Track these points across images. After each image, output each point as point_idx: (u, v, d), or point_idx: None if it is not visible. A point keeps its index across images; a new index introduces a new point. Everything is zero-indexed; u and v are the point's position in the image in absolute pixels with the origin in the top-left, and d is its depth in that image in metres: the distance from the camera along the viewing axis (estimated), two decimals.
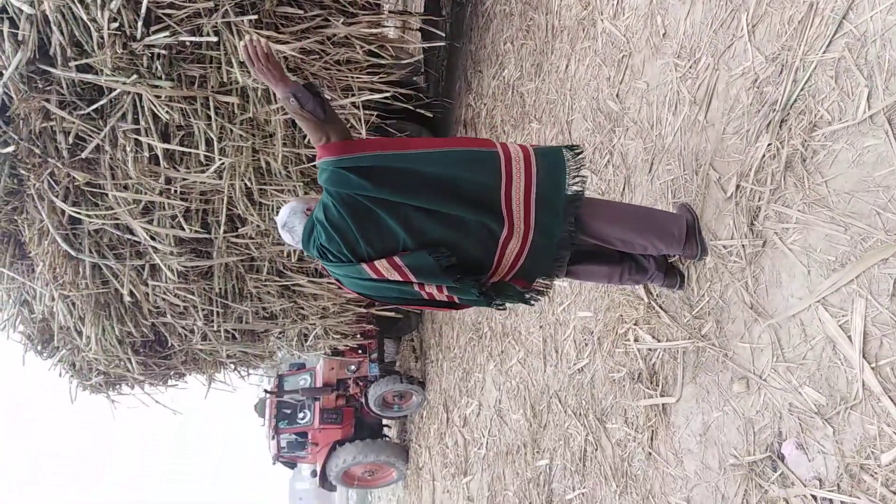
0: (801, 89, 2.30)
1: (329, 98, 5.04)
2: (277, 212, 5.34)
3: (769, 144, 2.43)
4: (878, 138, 1.97)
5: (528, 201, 2.36)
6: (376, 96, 5.23)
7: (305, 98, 2.19)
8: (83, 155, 4.97)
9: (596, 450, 3.55)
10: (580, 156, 2.48)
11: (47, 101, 4.76)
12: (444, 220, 2.34)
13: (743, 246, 2.51)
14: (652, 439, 3.02)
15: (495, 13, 6.33)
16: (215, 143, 5.04)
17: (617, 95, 3.72)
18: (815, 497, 2.07)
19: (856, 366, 1.97)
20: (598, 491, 3.49)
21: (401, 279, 2.43)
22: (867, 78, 2.03)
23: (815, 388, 2.12)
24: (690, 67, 3.03)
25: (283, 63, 4.80)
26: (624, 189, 3.52)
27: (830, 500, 2.02)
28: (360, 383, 9.06)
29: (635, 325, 3.22)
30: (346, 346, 7.61)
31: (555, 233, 2.43)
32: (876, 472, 1.87)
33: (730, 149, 2.68)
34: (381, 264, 2.38)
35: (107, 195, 5.16)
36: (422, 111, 5.96)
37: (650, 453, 3.01)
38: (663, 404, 2.95)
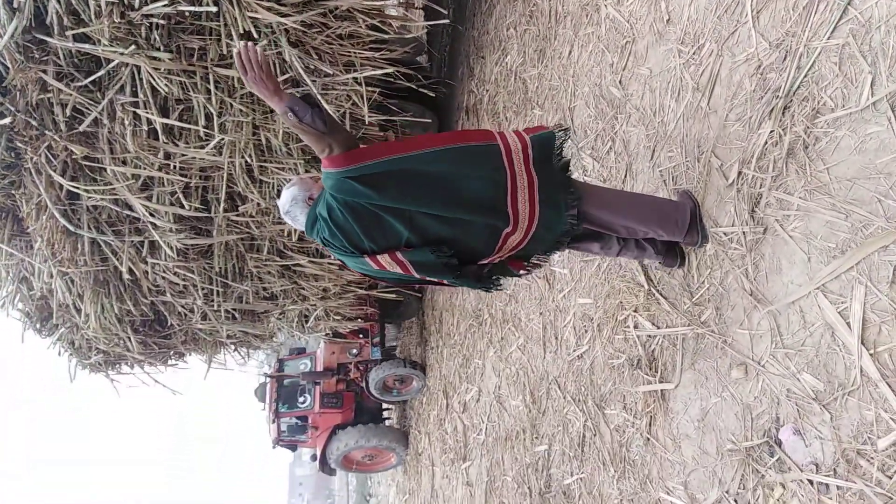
0: (805, 76, 2.29)
1: (331, 73, 4.93)
2: (278, 190, 5.34)
3: (771, 131, 2.43)
4: (881, 125, 1.97)
5: (533, 199, 2.38)
6: (378, 72, 5.14)
7: (303, 111, 2.17)
8: (81, 128, 4.87)
9: (594, 435, 3.57)
10: (567, 138, 2.49)
11: (44, 71, 4.65)
12: (449, 221, 2.37)
13: (744, 233, 2.51)
14: (650, 425, 3.03)
15: None
16: (215, 119, 4.96)
17: (620, 82, 3.71)
18: (811, 482, 2.08)
19: (854, 352, 1.98)
20: (596, 476, 3.51)
21: (402, 272, 2.48)
22: (871, 65, 2.02)
23: (814, 375, 2.13)
24: (694, 54, 3.02)
25: (285, 36, 4.71)
26: (626, 176, 3.52)
27: (827, 486, 2.03)
28: (361, 367, 9.08)
29: (635, 311, 3.23)
30: (348, 328, 7.57)
31: (557, 227, 2.46)
32: (872, 458, 1.88)
33: (732, 136, 2.68)
34: (384, 258, 2.43)
35: (105, 170, 5.07)
36: (424, 90, 5.90)
37: (648, 439, 3.03)
38: (662, 390, 2.97)
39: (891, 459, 1.84)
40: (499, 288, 2.65)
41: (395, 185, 2.28)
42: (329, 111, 2.37)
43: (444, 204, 2.33)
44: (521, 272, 2.68)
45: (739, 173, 2.59)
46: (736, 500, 2.43)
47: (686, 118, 3.03)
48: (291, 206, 2.49)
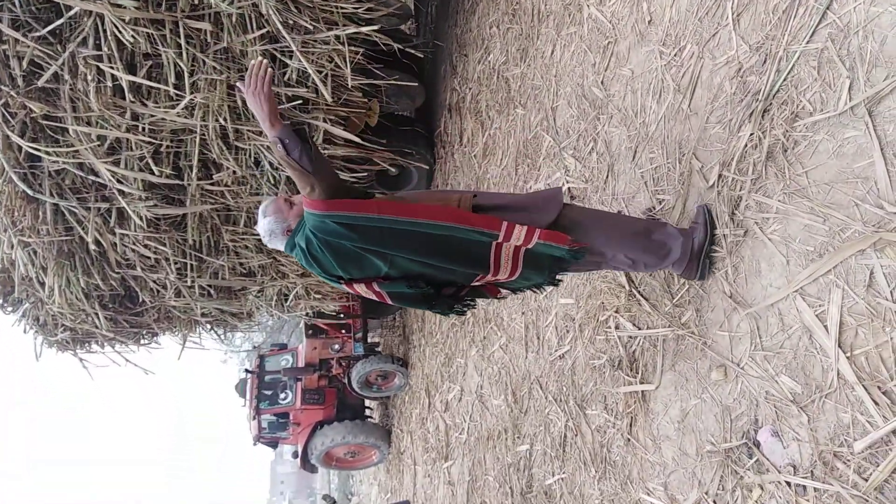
0: (784, 79, 2.31)
1: (312, 30, 4.72)
2: (256, 159, 5.13)
3: (751, 134, 2.44)
4: (859, 130, 1.98)
5: (517, 256, 2.36)
6: (363, 29, 4.88)
7: (293, 145, 2.14)
8: (40, 83, 4.49)
9: (576, 436, 3.58)
10: (577, 260, 2.39)
11: None
12: (430, 265, 2.38)
13: (724, 235, 2.52)
14: (631, 426, 3.04)
15: None
16: (186, 76, 4.63)
17: (602, 82, 3.71)
18: (789, 483, 2.10)
19: (831, 355, 2.00)
20: (577, 476, 3.52)
21: (377, 299, 2.51)
22: (849, 69, 2.03)
23: (792, 377, 2.15)
24: (675, 55, 3.02)
25: None
26: (608, 177, 3.52)
27: (804, 487, 2.05)
28: (343, 363, 9.06)
29: (616, 312, 3.24)
30: (332, 310, 7.33)
31: (538, 280, 2.47)
32: (849, 460, 1.90)
33: (713, 138, 2.69)
34: (360, 286, 2.45)
35: (67, 130, 4.71)
36: (412, 51, 5.70)
37: (629, 440, 3.04)
38: (643, 391, 2.97)
39: (867, 462, 1.85)
40: (472, 307, 2.67)
41: (378, 235, 2.28)
42: (318, 148, 2.32)
43: (427, 255, 2.33)
44: (499, 296, 2.68)
45: (720, 176, 2.60)
46: (715, 502, 2.44)
47: (667, 120, 3.04)
48: (271, 239, 2.47)
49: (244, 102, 4.88)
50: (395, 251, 2.32)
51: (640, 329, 3.05)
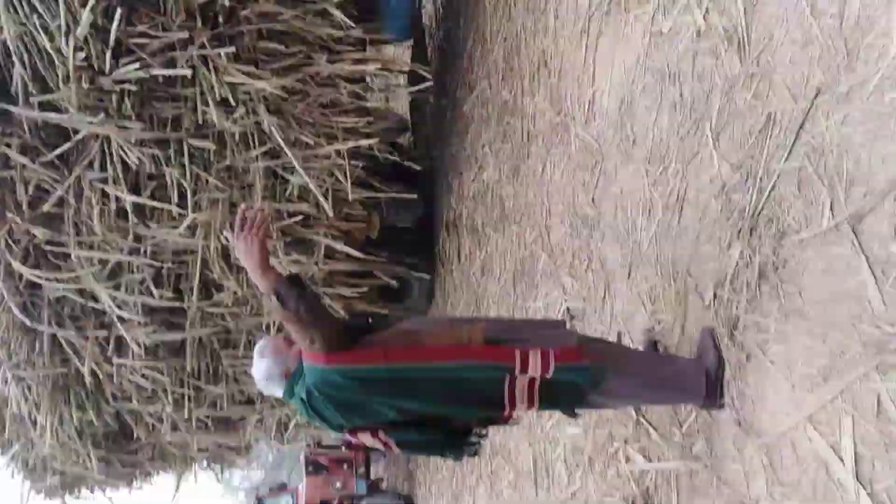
0: (767, 197, 2.27)
1: (313, 145, 4.78)
2: None
3: (742, 252, 2.37)
4: (845, 247, 1.91)
5: (532, 390, 2.22)
6: (364, 142, 4.97)
7: (288, 296, 2.00)
8: (44, 209, 4.50)
9: None
10: (596, 386, 2.27)
11: (8, 145, 4.36)
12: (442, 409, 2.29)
13: (727, 359, 2.40)
14: None
15: (473, 117, 6.46)
16: (189, 196, 4.63)
17: (592, 200, 3.71)
18: None
19: (851, 490, 1.82)
20: None
21: (382, 448, 2.38)
22: (828, 187, 1.99)
23: None
24: (661, 173, 3.02)
25: (263, 103, 4.54)
26: (605, 296, 3.45)
27: None
28: (346, 503, 8.54)
29: (625, 443, 3.05)
30: (334, 438, 7.02)
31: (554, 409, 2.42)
32: None
33: (705, 256, 2.63)
34: (365, 436, 2.33)
35: (69, 256, 4.66)
36: (410, 164, 5.78)
37: None
38: None
39: None
40: (485, 438, 2.53)
41: (388, 385, 2.18)
42: (317, 294, 2.26)
43: (439, 401, 2.23)
44: (511, 422, 2.51)
45: (715, 295, 2.51)
46: None
47: (658, 238, 3.00)
48: (268, 383, 2.33)
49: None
50: (405, 400, 2.21)
51: (651, 461, 2.85)
